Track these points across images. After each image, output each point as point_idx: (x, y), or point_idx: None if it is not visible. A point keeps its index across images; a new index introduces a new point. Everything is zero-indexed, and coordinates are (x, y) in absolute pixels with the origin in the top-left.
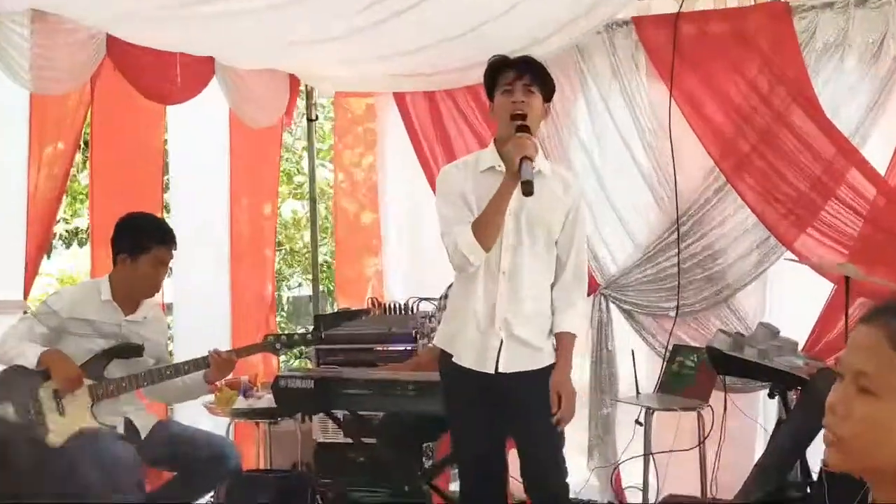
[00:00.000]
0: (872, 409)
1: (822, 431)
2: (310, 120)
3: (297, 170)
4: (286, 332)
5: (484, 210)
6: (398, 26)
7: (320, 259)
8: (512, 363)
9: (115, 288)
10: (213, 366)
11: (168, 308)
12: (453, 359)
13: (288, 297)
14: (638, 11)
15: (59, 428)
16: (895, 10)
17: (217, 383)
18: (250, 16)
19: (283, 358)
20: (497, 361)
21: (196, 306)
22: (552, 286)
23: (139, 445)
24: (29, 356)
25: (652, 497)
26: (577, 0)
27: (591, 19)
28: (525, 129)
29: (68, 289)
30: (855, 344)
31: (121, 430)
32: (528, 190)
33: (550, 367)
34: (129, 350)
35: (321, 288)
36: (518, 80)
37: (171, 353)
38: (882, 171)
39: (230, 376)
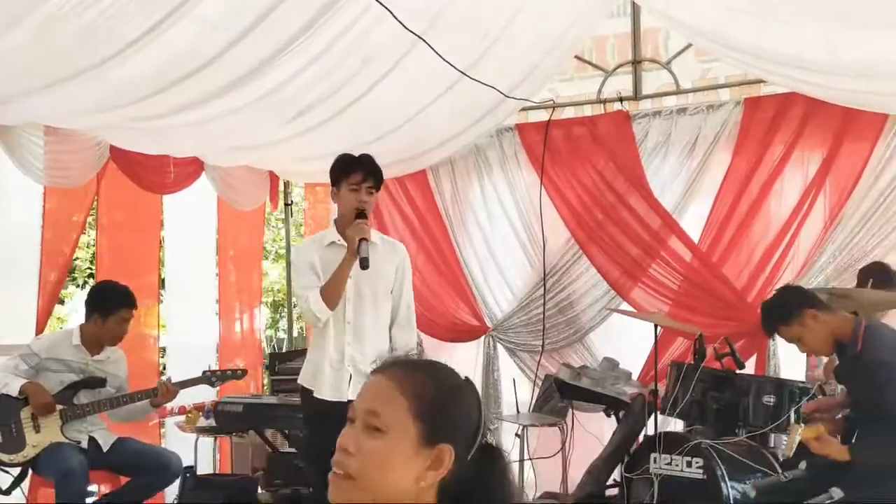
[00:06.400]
0: (379, 445)
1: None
2: (286, 204)
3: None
4: (220, 369)
5: (329, 279)
6: (330, 131)
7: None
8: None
9: (84, 335)
10: (160, 393)
11: (162, 351)
12: (314, 393)
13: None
14: (519, 120)
15: (35, 442)
16: (705, 118)
17: (186, 407)
18: (216, 122)
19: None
20: (349, 392)
21: (187, 350)
22: (391, 327)
23: (102, 455)
24: (12, 387)
25: (530, 494)
26: (476, 108)
27: (486, 125)
28: (363, 216)
29: (47, 335)
30: (368, 390)
31: (84, 445)
32: (364, 265)
33: None
34: (94, 382)
35: (296, 332)
36: (363, 182)
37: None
38: (696, 240)
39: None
